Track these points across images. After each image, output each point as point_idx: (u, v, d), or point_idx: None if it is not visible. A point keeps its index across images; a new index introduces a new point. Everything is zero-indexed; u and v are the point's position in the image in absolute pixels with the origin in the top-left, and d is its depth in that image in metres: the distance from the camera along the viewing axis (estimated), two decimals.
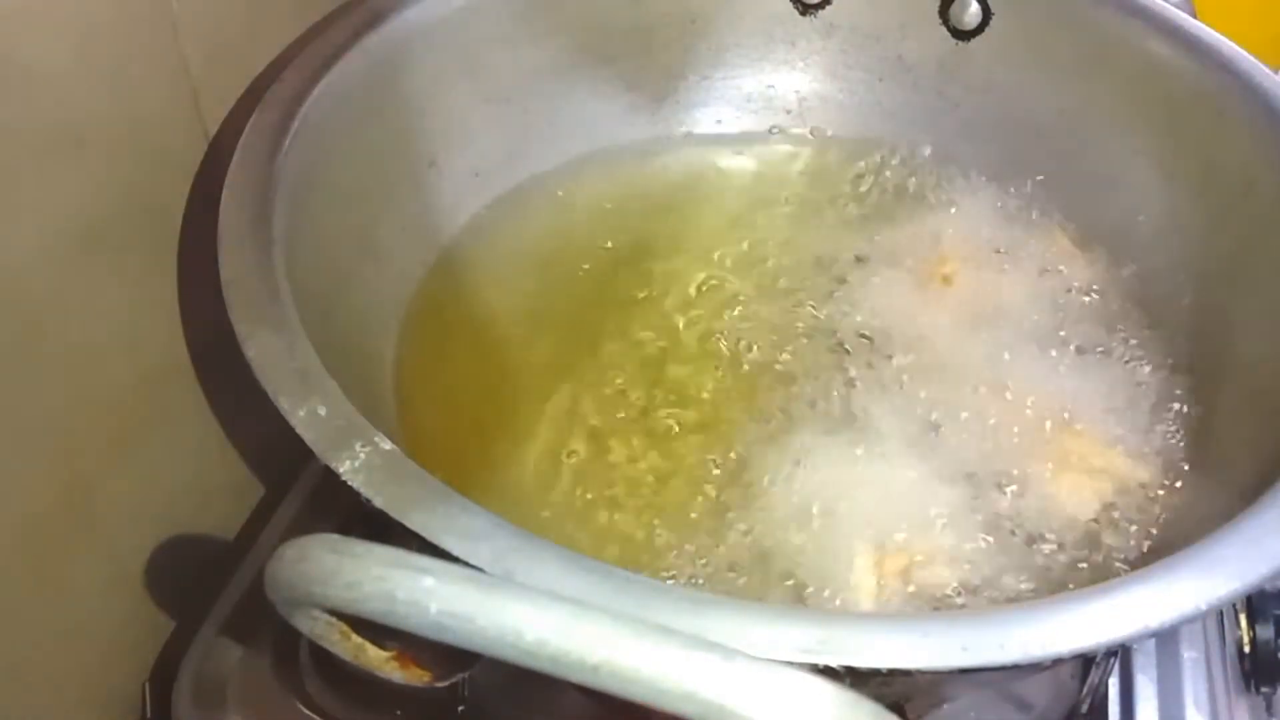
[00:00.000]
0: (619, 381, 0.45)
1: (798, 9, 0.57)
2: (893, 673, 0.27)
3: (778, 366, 0.46)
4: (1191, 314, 0.47)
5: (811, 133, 0.58)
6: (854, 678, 0.26)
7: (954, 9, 0.54)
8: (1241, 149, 0.45)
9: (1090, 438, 0.43)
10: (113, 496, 0.42)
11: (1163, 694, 0.44)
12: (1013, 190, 0.54)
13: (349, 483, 0.30)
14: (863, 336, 0.47)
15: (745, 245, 0.52)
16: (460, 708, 0.43)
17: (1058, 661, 0.28)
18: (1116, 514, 0.41)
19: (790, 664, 0.23)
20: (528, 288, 0.49)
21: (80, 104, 0.37)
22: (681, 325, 0.48)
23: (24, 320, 0.37)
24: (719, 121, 0.58)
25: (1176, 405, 0.44)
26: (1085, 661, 0.43)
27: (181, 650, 0.44)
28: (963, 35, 0.54)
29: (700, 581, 0.39)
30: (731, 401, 0.44)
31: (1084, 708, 0.43)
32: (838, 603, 0.38)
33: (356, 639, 0.28)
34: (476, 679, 0.41)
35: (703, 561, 0.39)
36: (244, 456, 0.50)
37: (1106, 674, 0.44)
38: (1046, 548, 0.40)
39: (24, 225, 0.36)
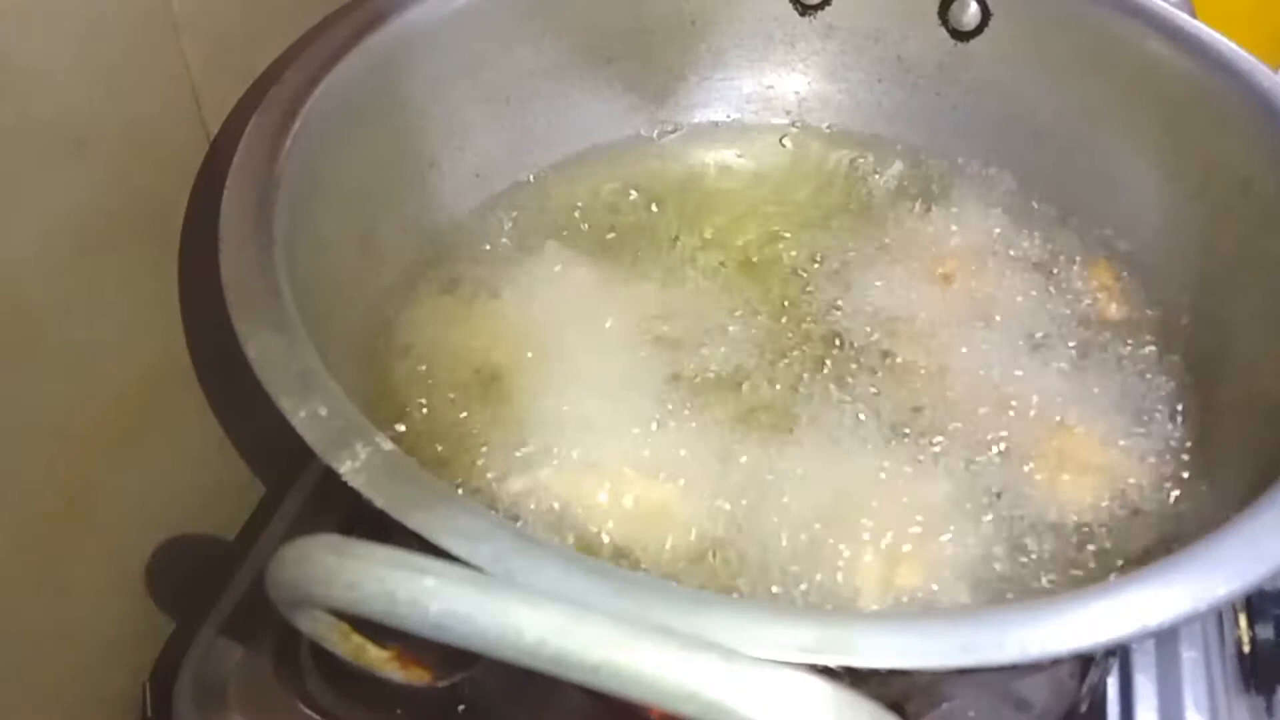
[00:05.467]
0: (618, 383, 0.45)
1: (797, 10, 0.57)
2: (892, 672, 0.27)
3: (776, 364, 0.46)
4: (1191, 314, 0.47)
5: (811, 133, 0.58)
6: (853, 677, 0.26)
7: (954, 9, 0.54)
8: (1241, 149, 0.45)
9: (1089, 437, 0.43)
10: (113, 496, 0.42)
11: (1162, 694, 0.44)
12: (1012, 190, 0.54)
13: (350, 483, 0.30)
14: (862, 335, 0.47)
15: (744, 244, 0.52)
16: (460, 707, 0.43)
17: (1056, 661, 0.28)
18: (1116, 513, 0.41)
19: (790, 664, 0.23)
20: (528, 288, 0.49)
21: (81, 104, 0.37)
22: (681, 323, 0.47)
23: (24, 320, 0.37)
24: (718, 122, 0.58)
25: (1176, 404, 0.44)
26: (1084, 661, 0.43)
27: (182, 650, 0.45)
28: (962, 36, 0.54)
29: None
30: (729, 397, 0.44)
31: (1083, 707, 0.43)
32: (836, 603, 0.38)
33: (357, 639, 0.28)
34: (477, 679, 0.41)
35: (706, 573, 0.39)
36: (244, 456, 0.50)
37: (1106, 674, 0.44)
38: (1045, 547, 0.40)
39: (24, 225, 0.36)
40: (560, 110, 0.54)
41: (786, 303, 0.49)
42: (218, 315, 0.34)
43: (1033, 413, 0.44)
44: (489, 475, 0.41)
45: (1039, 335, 0.47)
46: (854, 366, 0.46)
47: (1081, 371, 0.46)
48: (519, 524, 0.39)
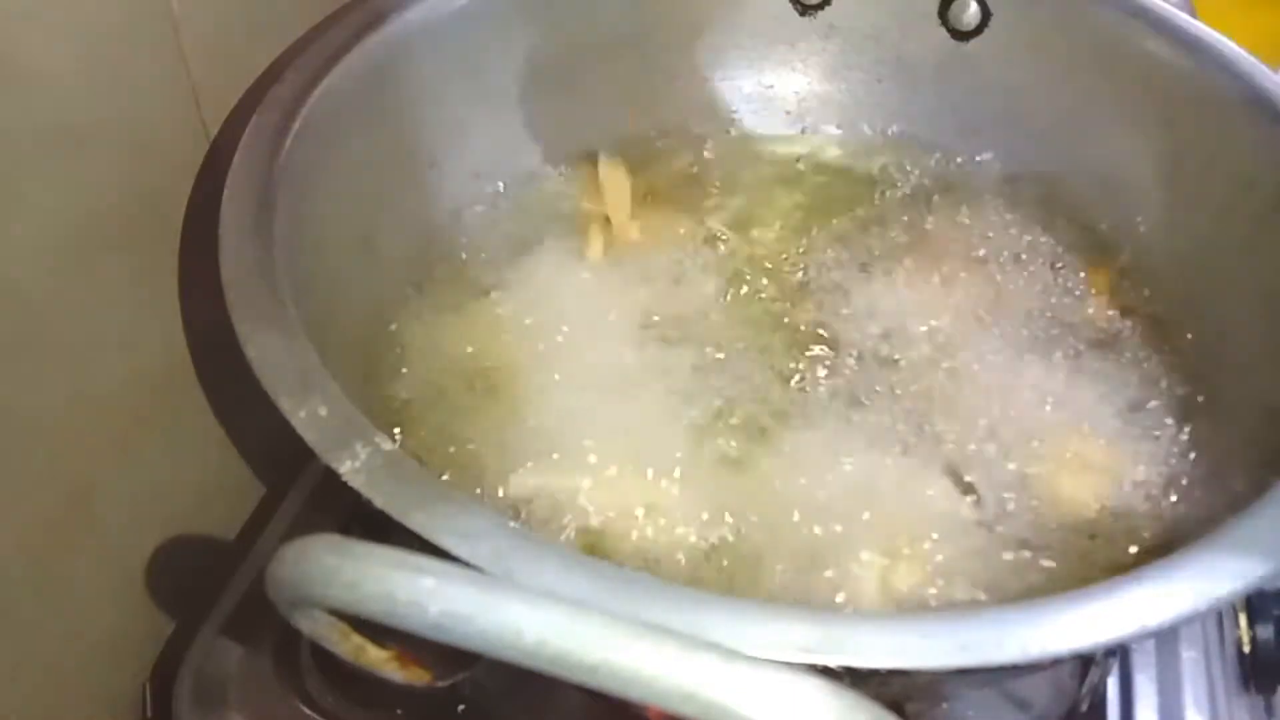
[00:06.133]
0: (618, 383, 0.45)
1: (797, 10, 0.57)
2: (892, 672, 0.27)
3: (777, 364, 0.46)
4: (1192, 314, 0.47)
5: (810, 133, 0.58)
6: (853, 677, 0.26)
7: (953, 9, 0.54)
8: (1241, 149, 0.45)
9: (1090, 437, 0.43)
10: (113, 497, 0.42)
11: (1162, 694, 0.44)
12: (1011, 190, 0.54)
13: (349, 483, 0.30)
14: (863, 335, 0.47)
15: (744, 244, 0.52)
16: (460, 707, 0.43)
17: (1056, 661, 0.28)
18: (1116, 513, 0.41)
19: (790, 664, 0.23)
20: (528, 288, 0.49)
21: (80, 104, 0.37)
22: (682, 323, 0.48)
23: (24, 320, 0.37)
24: (718, 123, 0.58)
25: (1176, 405, 0.44)
26: (1084, 661, 0.43)
27: (182, 650, 0.45)
28: (962, 36, 0.54)
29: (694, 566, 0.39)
30: (729, 397, 0.44)
31: (1083, 707, 0.43)
32: (837, 602, 0.38)
33: (357, 639, 0.28)
34: (477, 679, 0.41)
35: (706, 573, 0.39)
36: (244, 457, 0.50)
37: (1106, 674, 0.44)
38: (1045, 547, 0.40)
39: (24, 225, 0.36)
40: (560, 110, 0.54)
41: (787, 302, 0.49)
42: (218, 315, 0.34)
43: (1034, 413, 0.44)
44: (489, 475, 0.41)
45: (1040, 335, 0.47)
46: (855, 366, 0.46)
47: (1082, 372, 0.46)
48: (519, 524, 0.39)
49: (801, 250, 0.51)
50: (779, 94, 0.58)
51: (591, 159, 0.54)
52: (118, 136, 0.39)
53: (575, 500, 0.41)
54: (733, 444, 0.43)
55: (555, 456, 0.42)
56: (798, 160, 0.57)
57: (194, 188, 0.44)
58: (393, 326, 0.46)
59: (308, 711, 0.42)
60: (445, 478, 0.41)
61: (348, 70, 0.44)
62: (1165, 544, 0.40)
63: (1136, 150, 0.50)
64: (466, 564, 0.27)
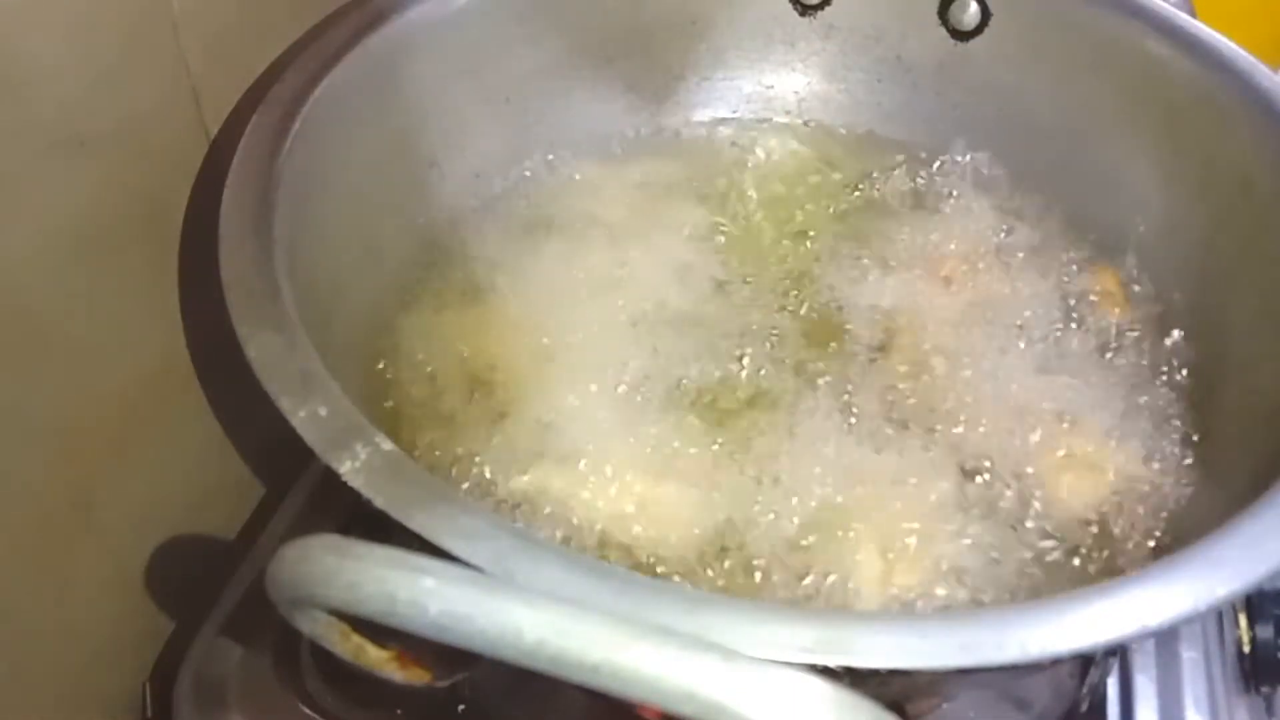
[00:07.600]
0: (618, 381, 0.45)
1: (797, 10, 0.57)
2: (892, 672, 0.27)
3: (777, 364, 0.46)
4: (1191, 314, 0.47)
5: (810, 133, 0.58)
6: (853, 677, 0.26)
7: (953, 9, 0.54)
8: (1241, 149, 0.45)
9: (1090, 437, 0.43)
10: (113, 496, 0.42)
11: (1162, 694, 0.44)
12: (1012, 190, 0.54)
13: (349, 483, 0.30)
14: (863, 335, 0.47)
15: (744, 245, 0.52)
16: (460, 707, 0.43)
17: (1056, 661, 0.28)
18: (1115, 513, 0.41)
19: (789, 664, 0.23)
20: (528, 288, 0.49)
21: (80, 104, 0.37)
22: (683, 323, 0.48)
23: (24, 320, 0.37)
24: (718, 122, 0.58)
25: (1176, 404, 0.44)
26: (1084, 661, 0.43)
27: (182, 650, 0.45)
28: (962, 36, 0.54)
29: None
30: (730, 396, 0.44)
31: (1083, 707, 0.43)
32: (837, 601, 0.38)
33: (356, 639, 0.28)
34: (476, 679, 0.41)
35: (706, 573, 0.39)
36: (244, 456, 0.50)
37: (1106, 674, 0.44)
38: (1045, 547, 0.40)
39: (24, 225, 0.36)
40: (560, 110, 0.54)
41: (787, 303, 0.49)
42: (218, 315, 0.34)
43: (1034, 413, 0.44)
44: (489, 475, 0.41)
45: (1039, 335, 0.47)
46: (855, 366, 0.46)
47: (1082, 372, 0.46)
48: (519, 524, 0.39)
49: (802, 248, 0.51)
50: (779, 94, 0.58)
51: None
52: (118, 136, 0.39)
53: (575, 499, 0.40)
54: (733, 442, 0.43)
55: (554, 455, 0.42)
56: (797, 159, 0.57)
57: (194, 188, 0.44)
58: (393, 326, 0.46)
59: (308, 711, 0.42)
60: (445, 477, 0.41)
61: (348, 70, 0.44)
62: (1166, 543, 0.40)
63: (1136, 150, 0.50)
64: (466, 564, 0.27)
